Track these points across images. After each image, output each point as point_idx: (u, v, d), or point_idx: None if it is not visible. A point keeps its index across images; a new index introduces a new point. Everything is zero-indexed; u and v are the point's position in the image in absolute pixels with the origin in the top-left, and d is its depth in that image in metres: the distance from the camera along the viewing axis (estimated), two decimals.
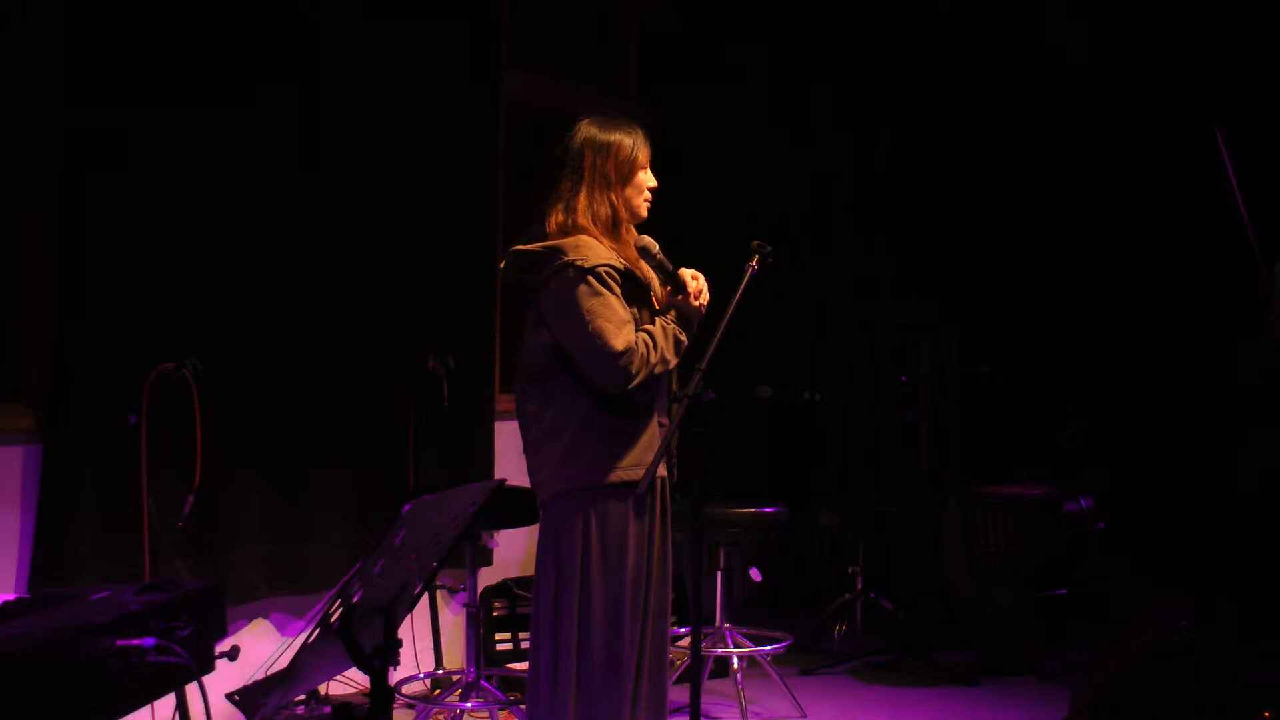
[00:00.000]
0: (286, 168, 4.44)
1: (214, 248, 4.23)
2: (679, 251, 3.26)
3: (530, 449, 3.25)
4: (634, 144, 3.23)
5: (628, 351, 3.05)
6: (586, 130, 3.23)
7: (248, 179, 4.31)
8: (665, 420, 3.26)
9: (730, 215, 6.23)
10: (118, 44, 3.95)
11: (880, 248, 7.14)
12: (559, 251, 3.12)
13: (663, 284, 3.33)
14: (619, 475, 3.14)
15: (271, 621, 4.56)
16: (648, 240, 3.26)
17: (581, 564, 3.16)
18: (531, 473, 3.27)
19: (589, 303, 3.06)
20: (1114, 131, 6.40)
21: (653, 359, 3.10)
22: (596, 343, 3.04)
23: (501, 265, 3.29)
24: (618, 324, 3.06)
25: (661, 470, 3.23)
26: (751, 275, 3.15)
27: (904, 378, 6.83)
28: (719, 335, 3.05)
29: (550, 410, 3.17)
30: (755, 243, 3.18)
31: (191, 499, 3.88)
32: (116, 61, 3.95)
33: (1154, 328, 6.25)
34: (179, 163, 4.12)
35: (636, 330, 3.12)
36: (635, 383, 3.08)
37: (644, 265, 3.27)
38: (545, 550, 3.23)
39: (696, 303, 3.25)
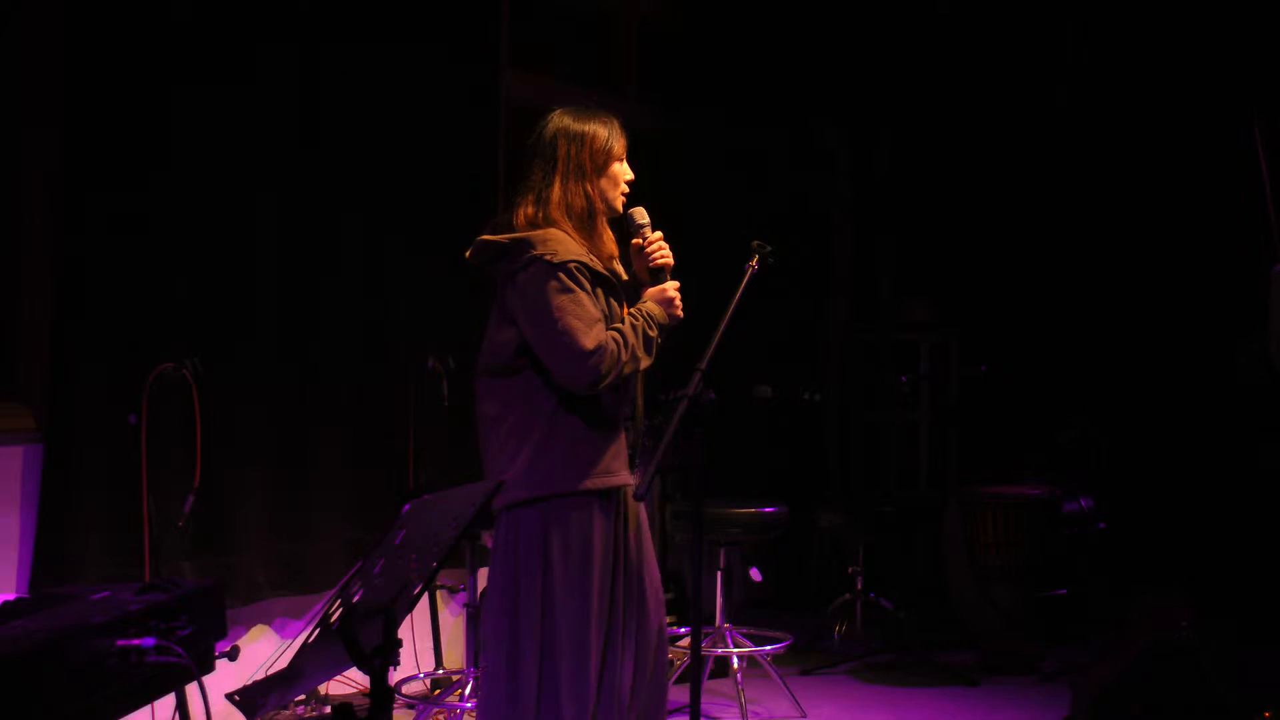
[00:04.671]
0: (287, 168, 4.44)
1: (214, 249, 4.23)
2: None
3: (489, 453, 3.05)
4: (609, 134, 3.08)
5: (598, 350, 2.89)
6: (560, 120, 3.08)
7: (246, 181, 4.32)
8: (628, 428, 3.12)
9: (730, 215, 6.24)
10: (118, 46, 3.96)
11: (880, 248, 7.15)
12: (528, 244, 2.96)
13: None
14: (589, 483, 2.97)
15: (272, 621, 4.56)
16: (638, 210, 3.14)
17: (543, 584, 2.95)
18: (488, 478, 3.04)
19: (558, 299, 2.91)
20: (1113, 132, 6.40)
21: (623, 357, 2.95)
22: (565, 340, 2.89)
23: (467, 255, 3.11)
24: (588, 322, 2.91)
25: (632, 478, 3.09)
26: (751, 275, 3.10)
27: (904, 378, 6.83)
28: (719, 335, 2.96)
29: (513, 412, 2.99)
30: (755, 242, 3.12)
31: (192, 499, 3.89)
32: (116, 60, 3.96)
33: (1154, 327, 6.25)
34: (179, 165, 4.12)
35: (607, 329, 2.97)
36: (605, 383, 2.93)
37: (616, 265, 3.14)
38: (498, 565, 3.02)
39: (659, 261, 3.09)
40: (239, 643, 3.95)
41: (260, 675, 2.17)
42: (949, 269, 6.84)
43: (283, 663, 2.23)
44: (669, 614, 5.23)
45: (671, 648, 5.07)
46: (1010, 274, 6.68)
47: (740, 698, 4.74)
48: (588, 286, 2.96)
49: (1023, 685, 5.20)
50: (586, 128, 3.07)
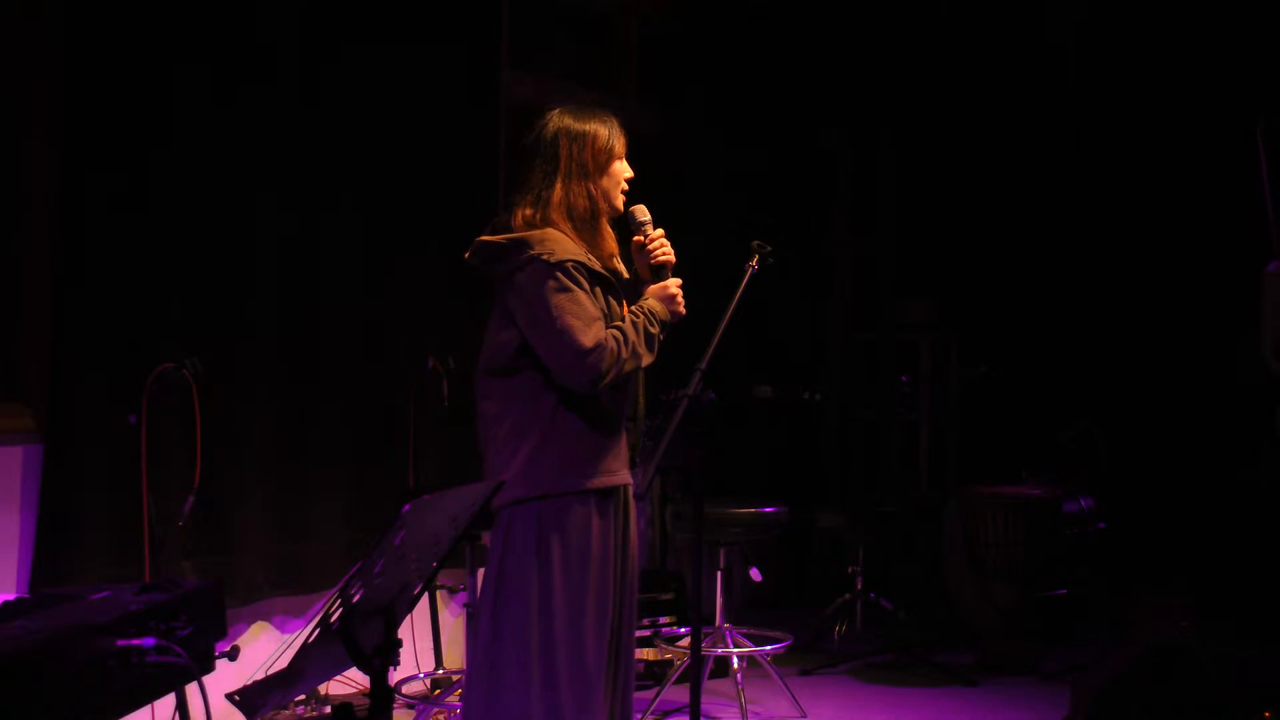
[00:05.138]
0: (287, 168, 4.44)
1: (214, 249, 4.23)
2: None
3: (489, 452, 3.03)
4: (610, 132, 3.05)
5: (597, 348, 2.87)
6: (559, 119, 3.05)
7: (246, 182, 4.32)
8: (628, 427, 3.12)
9: (730, 215, 6.24)
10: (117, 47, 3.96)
11: (880, 248, 7.15)
12: (525, 244, 2.94)
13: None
14: (588, 483, 2.96)
15: (272, 621, 4.56)
16: (639, 207, 3.12)
17: (541, 582, 2.93)
18: (488, 477, 3.03)
19: (556, 298, 2.89)
20: (1114, 131, 6.41)
21: (624, 355, 2.92)
22: (564, 339, 2.87)
23: (466, 255, 3.09)
24: (587, 320, 2.89)
25: (632, 478, 3.09)
26: (751, 275, 3.10)
27: (904, 378, 6.83)
28: (719, 335, 2.96)
29: (512, 410, 2.98)
30: (755, 242, 3.12)
31: (192, 499, 3.89)
32: (116, 59, 3.96)
33: (1155, 327, 6.25)
34: (180, 166, 4.12)
35: (606, 327, 2.95)
36: (606, 381, 2.91)
37: (617, 262, 3.13)
38: (495, 563, 2.99)
39: (661, 258, 3.08)
40: (239, 643, 3.95)
41: (260, 675, 2.17)
42: (949, 269, 6.84)
43: (283, 663, 2.23)
44: (669, 614, 5.25)
45: (671, 648, 5.07)
46: (1011, 274, 6.69)
47: (740, 698, 4.74)
48: (585, 285, 2.94)
49: (1023, 685, 5.20)
50: (587, 127, 3.04)
